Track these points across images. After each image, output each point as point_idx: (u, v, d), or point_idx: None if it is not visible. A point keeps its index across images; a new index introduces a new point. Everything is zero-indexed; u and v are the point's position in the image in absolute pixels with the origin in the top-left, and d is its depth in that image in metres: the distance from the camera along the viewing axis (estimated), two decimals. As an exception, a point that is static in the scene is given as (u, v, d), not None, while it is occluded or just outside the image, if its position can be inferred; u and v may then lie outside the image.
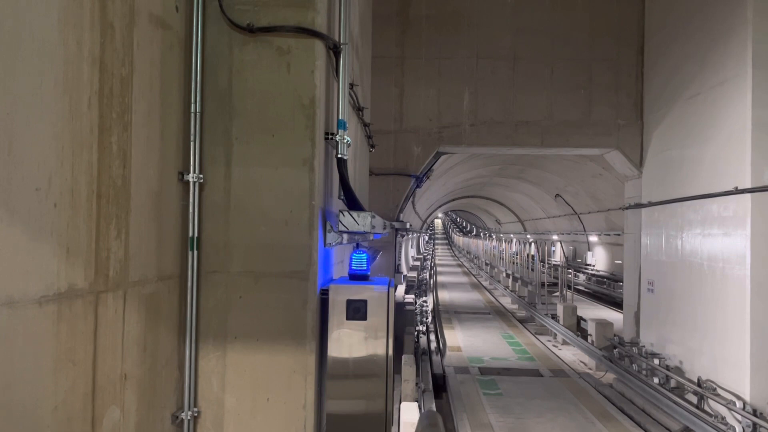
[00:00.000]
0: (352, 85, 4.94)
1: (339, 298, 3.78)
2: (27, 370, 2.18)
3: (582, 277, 29.30)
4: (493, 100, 11.55)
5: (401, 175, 11.69)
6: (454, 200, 42.11)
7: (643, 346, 11.31)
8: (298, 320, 3.59)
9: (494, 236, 41.93)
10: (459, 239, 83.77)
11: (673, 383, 9.79)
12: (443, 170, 17.41)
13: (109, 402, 2.73)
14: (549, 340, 16.97)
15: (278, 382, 3.58)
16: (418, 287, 19.40)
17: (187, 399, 3.52)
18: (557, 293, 21.23)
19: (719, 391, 8.53)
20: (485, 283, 34.95)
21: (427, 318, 15.99)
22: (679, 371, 9.96)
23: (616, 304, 21.91)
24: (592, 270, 29.67)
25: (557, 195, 27.22)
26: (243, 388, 3.59)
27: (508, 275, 28.91)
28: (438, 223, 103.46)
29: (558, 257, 34.39)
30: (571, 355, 15.03)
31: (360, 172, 6.71)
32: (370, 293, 3.80)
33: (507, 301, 25.85)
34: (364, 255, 4.06)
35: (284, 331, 3.59)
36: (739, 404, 7.90)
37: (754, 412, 7.68)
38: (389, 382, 3.81)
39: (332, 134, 4.03)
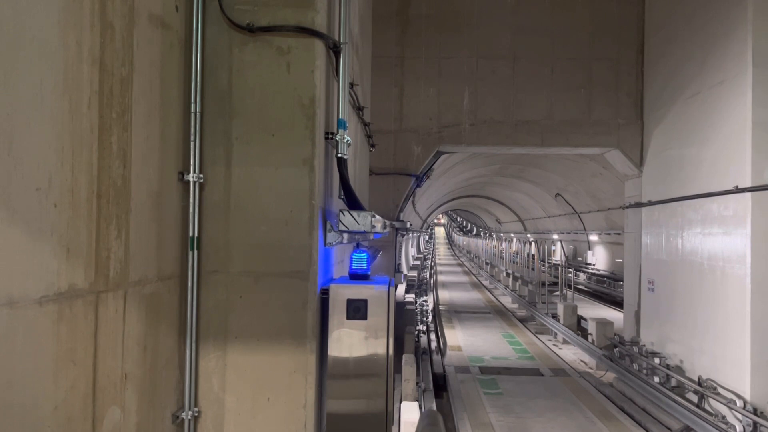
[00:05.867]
0: (352, 85, 4.94)
1: (339, 297, 3.78)
2: (27, 370, 2.18)
3: (582, 277, 29.31)
4: (493, 99, 11.55)
5: (401, 175, 11.69)
6: (454, 200, 42.11)
7: (644, 345, 11.31)
8: (299, 320, 3.59)
9: (494, 235, 41.94)
10: (459, 239, 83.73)
11: (673, 382, 9.79)
12: (443, 170, 17.41)
13: (110, 402, 2.74)
14: (549, 340, 16.97)
15: (278, 382, 3.58)
16: (418, 287, 19.40)
17: (187, 399, 3.52)
18: (557, 292, 21.24)
19: (720, 390, 8.53)
20: (485, 283, 34.95)
21: (427, 317, 16.00)
22: (679, 370, 9.96)
23: (617, 303, 21.92)
24: (592, 269, 29.68)
25: (557, 194, 27.22)
26: (243, 387, 3.60)
27: (508, 274, 28.91)
28: (440, 231, 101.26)
29: (558, 256, 34.39)
30: (572, 354, 15.03)
31: (360, 171, 6.71)
32: (371, 293, 3.80)
33: (507, 301, 25.85)
34: (365, 254, 4.06)
35: (285, 331, 3.59)
36: (739, 403, 7.90)
37: (755, 411, 7.68)
38: (390, 381, 3.81)
39: (332, 134, 4.03)
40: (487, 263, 40.08)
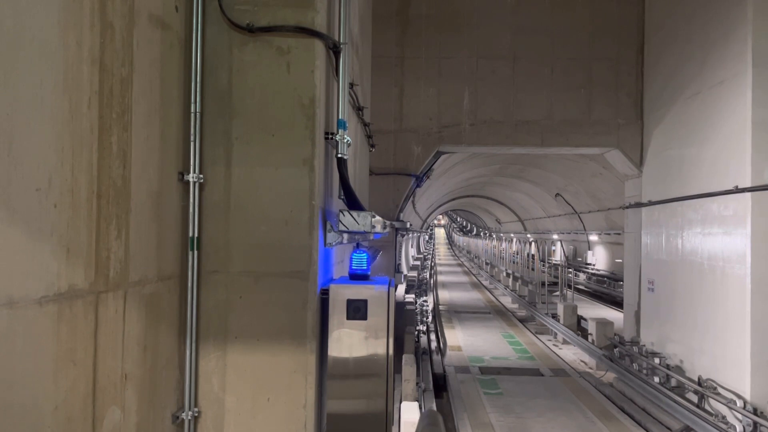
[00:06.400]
0: (352, 85, 4.94)
1: (339, 297, 3.78)
2: (27, 371, 2.18)
3: (582, 277, 29.30)
4: (493, 99, 11.55)
5: (401, 175, 11.68)
6: (454, 200, 42.10)
7: (644, 345, 11.30)
8: (299, 320, 3.59)
9: (494, 236, 41.95)
10: (459, 239, 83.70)
11: (673, 382, 9.78)
12: (443, 170, 17.41)
13: (110, 402, 2.74)
14: (549, 340, 16.97)
15: (278, 382, 3.58)
16: (418, 287, 19.39)
17: (187, 399, 3.52)
18: (557, 292, 21.24)
19: (720, 390, 8.53)
20: (485, 283, 34.95)
21: (427, 317, 15.99)
22: (679, 370, 9.96)
23: (617, 303, 21.91)
24: (592, 269, 29.67)
25: (557, 194, 27.21)
26: (243, 388, 3.60)
27: (508, 275, 28.91)
28: (440, 232, 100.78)
29: (558, 256, 34.38)
30: (572, 354, 15.03)
31: (360, 171, 6.71)
32: (371, 293, 3.80)
33: (507, 301, 25.84)
34: (365, 255, 4.06)
35: (285, 331, 3.59)
36: (739, 403, 7.90)
37: (755, 411, 7.68)
38: (390, 381, 3.81)
39: (332, 134, 4.03)
40: (487, 263, 40.07)
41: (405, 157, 11.64)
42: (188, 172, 3.49)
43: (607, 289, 25.59)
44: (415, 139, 11.61)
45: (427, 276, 28.53)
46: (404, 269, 20.36)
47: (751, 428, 7.62)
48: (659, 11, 11.07)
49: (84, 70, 2.48)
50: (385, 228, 4.08)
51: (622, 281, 14.11)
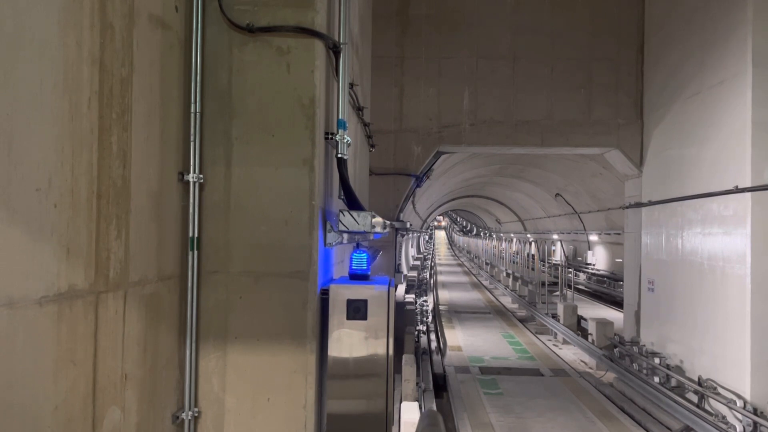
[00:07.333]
0: (352, 85, 4.94)
1: (339, 297, 3.78)
2: (27, 371, 2.18)
3: (582, 277, 29.30)
4: (493, 99, 11.55)
5: (401, 175, 11.68)
6: (454, 200, 42.10)
7: (644, 345, 11.31)
8: (299, 320, 3.59)
9: (494, 236, 41.92)
10: (459, 239, 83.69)
11: (673, 382, 9.78)
12: (443, 170, 17.41)
13: (110, 402, 2.73)
14: (549, 340, 16.97)
15: (279, 382, 3.58)
16: (418, 287, 19.38)
17: (187, 399, 3.52)
18: (557, 292, 21.24)
19: (720, 390, 8.53)
20: (485, 283, 34.95)
21: (427, 317, 15.99)
22: (679, 370, 9.96)
23: (617, 303, 21.91)
24: (592, 269, 29.67)
25: (557, 194, 27.21)
26: (243, 388, 3.60)
27: (508, 275, 28.90)
28: (440, 233, 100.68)
29: (558, 256, 34.38)
30: (572, 354, 15.03)
31: (360, 171, 6.71)
32: (371, 293, 3.80)
33: (507, 301, 25.84)
34: (365, 255, 4.06)
35: (285, 331, 3.59)
36: (739, 403, 7.90)
37: (755, 411, 7.68)
38: (390, 381, 3.81)
39: (332, 134, 4.03)
40: (487, 263, 40.07)
41: (405, 157, 11.64)
42: (188, 172, 3.49)
43: (607, 289, 25.59)
44: (415, 139, 11.61)
45: (427, 276, 28.52)
46: (404, 269, 20.35)
47: (751, 428, 7.62)
48: (659, 11, 11.07)
49: (84, 70, 2.48)
50: (385, 228, 4.08)
51: (622, 281, 14.11)
